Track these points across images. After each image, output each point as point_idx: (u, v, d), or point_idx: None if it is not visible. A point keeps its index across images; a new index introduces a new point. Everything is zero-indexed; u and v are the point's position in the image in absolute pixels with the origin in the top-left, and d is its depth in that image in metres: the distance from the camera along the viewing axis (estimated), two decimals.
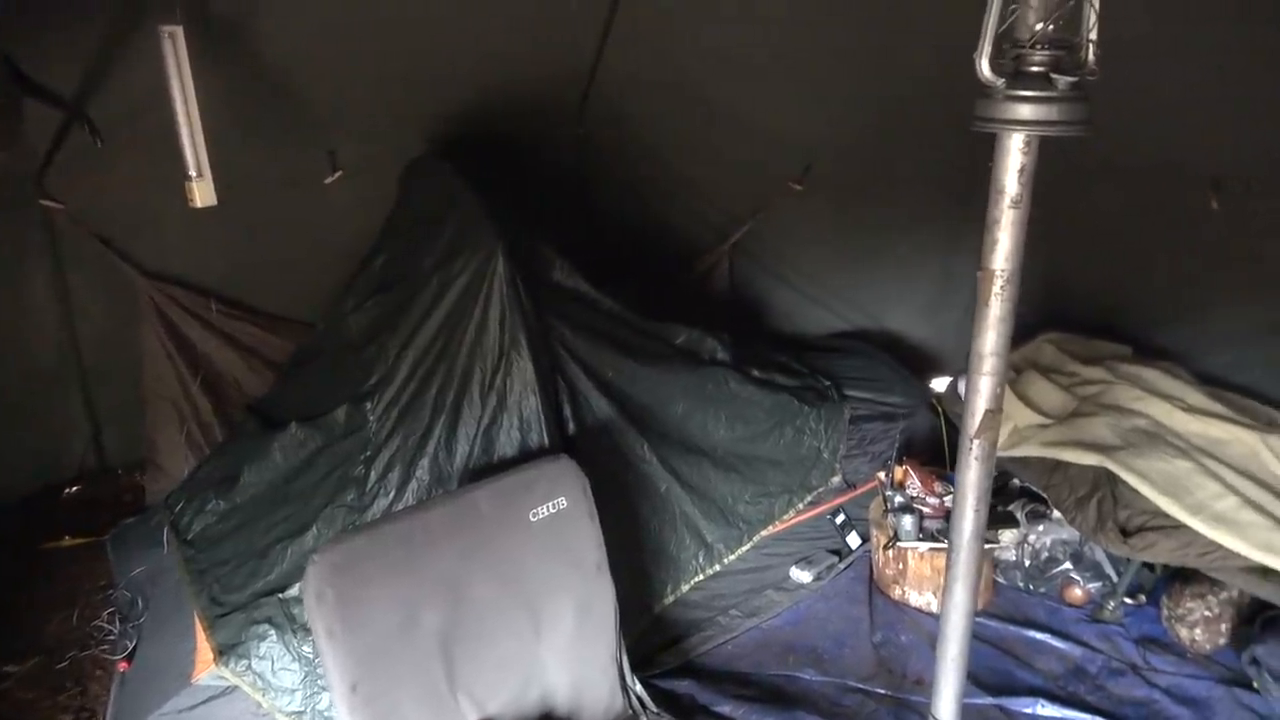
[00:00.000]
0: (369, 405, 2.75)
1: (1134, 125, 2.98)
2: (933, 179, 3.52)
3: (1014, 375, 3.26)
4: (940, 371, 4.04)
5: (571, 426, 2.69)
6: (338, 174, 3.41)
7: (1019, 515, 3.02)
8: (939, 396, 3.63)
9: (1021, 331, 3.48)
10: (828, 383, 3.37)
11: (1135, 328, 3.60)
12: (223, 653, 2.41)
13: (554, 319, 2.78)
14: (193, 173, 2.60)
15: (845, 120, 3.57)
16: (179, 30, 2.49)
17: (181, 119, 2.56)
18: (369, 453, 2.66)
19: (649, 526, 2.80)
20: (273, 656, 2.38)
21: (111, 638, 2.74)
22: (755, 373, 3.20)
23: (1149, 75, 2.92)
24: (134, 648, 2.67)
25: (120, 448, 3.70)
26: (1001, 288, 1.72)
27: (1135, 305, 3.62)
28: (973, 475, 1.86)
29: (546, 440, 2.53)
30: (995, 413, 1.83)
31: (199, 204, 2.63)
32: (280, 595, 2.48)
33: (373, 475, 2.60)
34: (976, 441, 1.84)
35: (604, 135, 3.72)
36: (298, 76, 3.09)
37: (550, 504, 2.19)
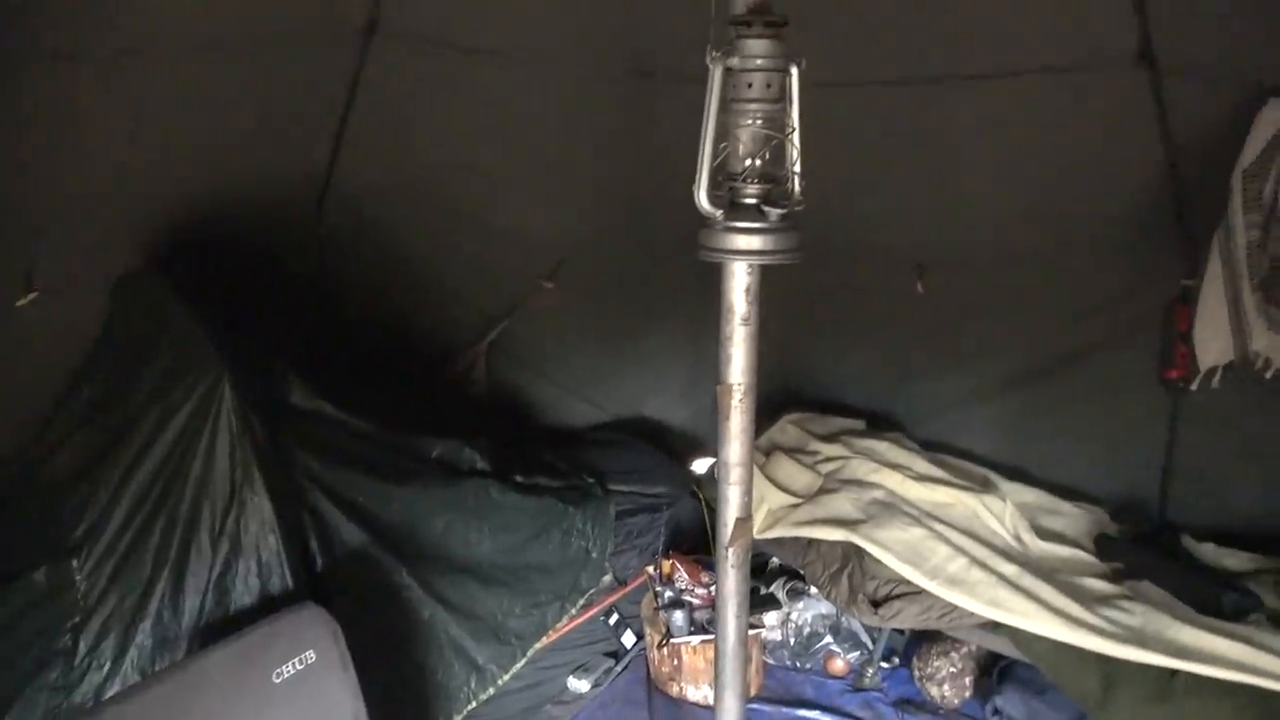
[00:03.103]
0: (76, 562, 2.39)
1: (847, 211, 3.31)
2: (675, 273, 3.66)
3: (763, 459, 3.41)
4: (701, 452, 4.16)
5: (320, 562, 2.48)
6: (33, 295, 3.01)
7: (780, 595, 3.13)
8: (699, 481, 3.73)
9: (765, 412, 3.73)
10: (591, 479, 3.35)
11: (865, 399, 3.91)
12: None
13: (294, 446, 2.58)
14: None
15: (592, 220, 3.67)
16: None
17: None
18: (77, 619, 2.30)
19: (413, 660, 2.62)
20: None
21: None
22: (518, 478, 3.13)
23: (858, 167, 3.28)
24: None
25: None
26: (740, 400, 1.78)
27: (863, 378, 3.94)
28: (731, 584, 1.89)
29: (290, 583, 2.32)
30: (746, 520, 1.87)
31: None
32: None
33: (82, 646, 2.25)
34: (731, 550, 1.87)
35: (346, 238, 3.56)
36: None
37: (296, 660, 1.99)
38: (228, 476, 2.37)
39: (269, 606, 2.27)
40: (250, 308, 3.01)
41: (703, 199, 1.51)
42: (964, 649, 2.95)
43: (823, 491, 3.20)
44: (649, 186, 3.28)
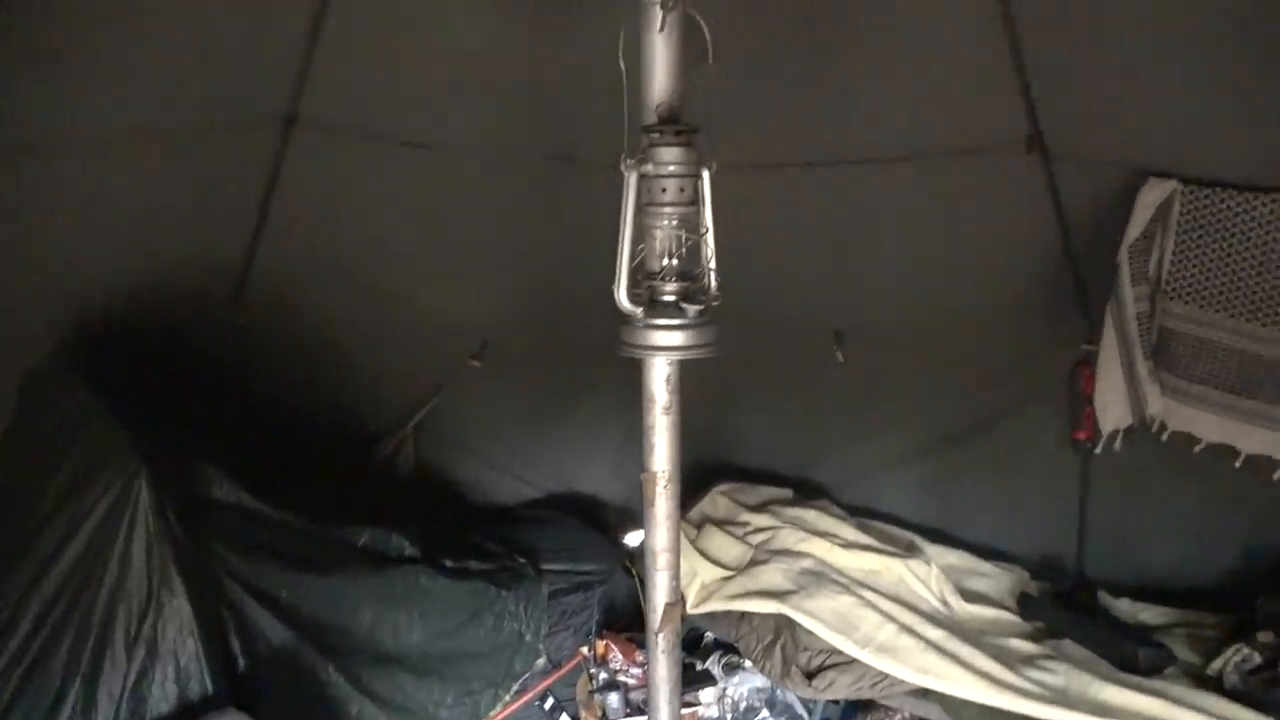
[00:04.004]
0: None
1: (768, 285, 3.42)
2: (602, 348, 3.70)
3: (694, 532, 3.43)
4: (634, 525, 4.16)
5: (241, 663, 2.41)
6: None
7: (716, 670, 3.13)
8: (632, 555, 3.72)
9: (697, 484, 3.77)
10: (523, 559, 3.33)
11: (794, 467, 3.98)
12: None
13: (215, 543, 2.51)
14: None
15: (519, 299, 3.71)
16: None
17: None
18: None
19: None
20: None
21: None
22: (448, 563, 3.08)
23: (779, 244, 3.40)
24: None
25: None
26: (665, 486, 1.82)
27: (790, 446, 4.01)
28: (663, 670, 1.90)
29: (210, 688, 2.24)
30: (675, 605, 1.90)
31: None
32: None
33: None
34: (661, 635, 1.89)
35: (268, 326, 3.52)
36: None
37: None
38: (144, 578, 2.30)
39: (188, 714, 2.19)
40: (167, 400, 2.94)
41: (623, 298, 1.56)
42: (897, 717, 2.98)
43: (753, 563, 3.23)
44: (574, 265, 3.33)
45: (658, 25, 1.51)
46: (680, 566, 3.11)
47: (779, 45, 2.87)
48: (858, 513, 3.67)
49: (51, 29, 2.38)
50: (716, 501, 3.68)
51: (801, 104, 3.01)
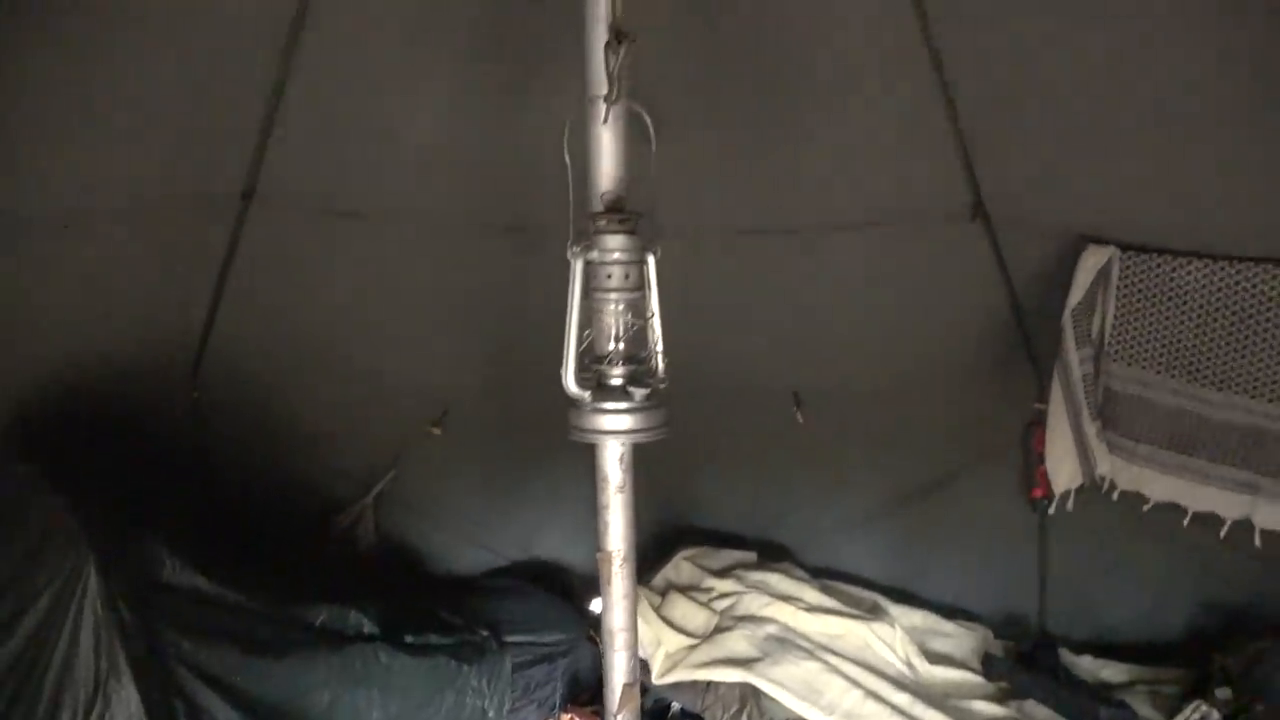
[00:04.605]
0: None
1: (729, 349, 3.46)
2: (563, 413, 3.71)
3: (659, 600, 3.41)
4: (598, 591, 4.12)
5: None
6: None
7: None
8: (596, 624, 3.68)
9: (660, 549, 3.76)
10: (485, 632, 3.28)
11: (755, 529, 3.99)
12: None
13: (166, 629, 2.45)
14: None
15: (478, 366, 3.72)
16: None
17: None
18: None
19: None
20: None
21: None
22: (408, 638, 3.03)
23: (739, 310, 3.45)
24: None
25: None
26: (620, 565, 1.82)
27: (753, 508, 4.02)
28: None
29: None
30: (633, 685, 1.88)
31: None
32: None
33: None
34: (620, 716, 1.88)
35: (225, 399, 3.49)
36: None
37: None
38: (91, 668, 2.23)
39: None
40: (120, 478, 2.89)
41: (570, 382, 1.58)
42: None
43: (718, 630, 3.21)
44: (533, 332, 3.33)
45: (602, 117, 1.55)
46: (644, 635, 3.13)
47: (727, 118, 2.95)
48: (821, 574, 3.68)
49: (5, 104, 2.39)
50: (680, 567, 3.67)
51: (752, 174, 3.08)
